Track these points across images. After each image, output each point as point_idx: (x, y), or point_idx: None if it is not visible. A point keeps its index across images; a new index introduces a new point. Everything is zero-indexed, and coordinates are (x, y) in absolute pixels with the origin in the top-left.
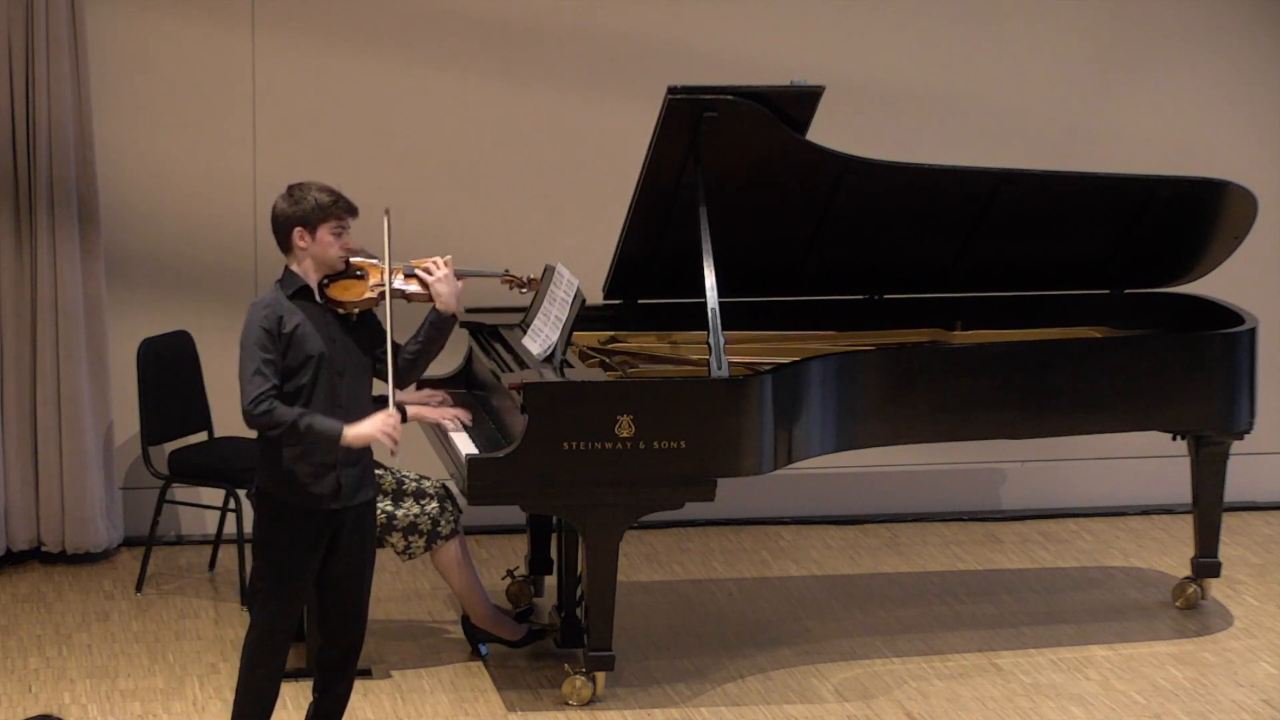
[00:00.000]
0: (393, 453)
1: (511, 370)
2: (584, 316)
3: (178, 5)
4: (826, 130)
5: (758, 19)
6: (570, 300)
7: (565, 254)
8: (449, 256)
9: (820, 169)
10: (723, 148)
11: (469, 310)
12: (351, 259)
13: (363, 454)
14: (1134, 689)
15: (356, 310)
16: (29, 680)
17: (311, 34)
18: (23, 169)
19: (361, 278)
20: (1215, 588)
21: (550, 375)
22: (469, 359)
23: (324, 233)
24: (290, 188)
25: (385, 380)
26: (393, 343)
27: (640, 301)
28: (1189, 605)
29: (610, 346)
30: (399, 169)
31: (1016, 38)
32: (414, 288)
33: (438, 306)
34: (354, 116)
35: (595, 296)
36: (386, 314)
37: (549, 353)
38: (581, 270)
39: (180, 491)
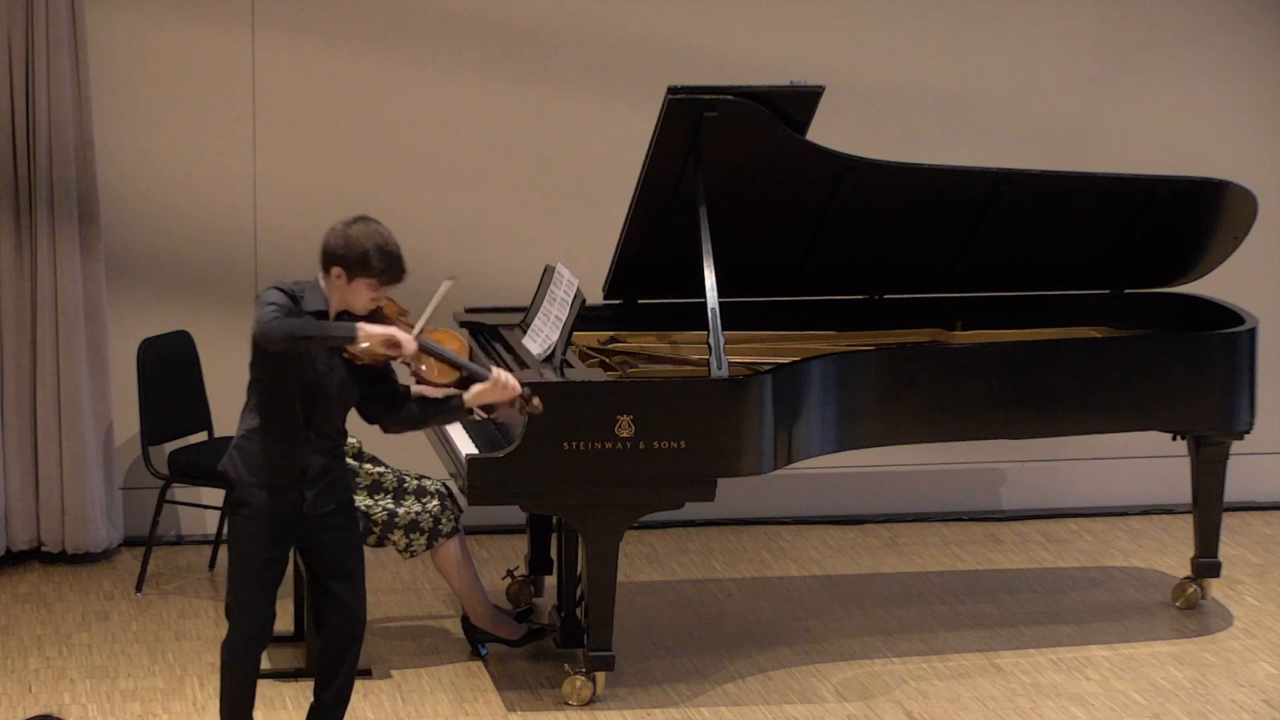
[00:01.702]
0: (408, 365)
1: (511, 370)
2: (584, 316)
3: (178, 5)
4: (826, 130)
5: (758, 19)
6: (570, 300)
7: (565, 254)
8: (514, 382)
9: (820, 169)
10: (723, 148)
11: (469, 310)
12: (378, 307)
13: (328, 472)
14: (1134, 689)
15: (363, 361)
16: (29, 680)
17: (311, 34)
18: (23, 169)
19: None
20: (1215, 588)
21: (550, 375)
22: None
23: (360, 284)
24: (355, 221)
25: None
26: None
27: (640, 301)
28: (1189, 605)
29: (610, 346)
30: (399, 169)
31: (1016, 38)
32: (423, 366)
33: (465, 397)
34: (354, 116)
35: (595, 296)
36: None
37: (549, 353)
38: (581, 270)
39: (180, 491)
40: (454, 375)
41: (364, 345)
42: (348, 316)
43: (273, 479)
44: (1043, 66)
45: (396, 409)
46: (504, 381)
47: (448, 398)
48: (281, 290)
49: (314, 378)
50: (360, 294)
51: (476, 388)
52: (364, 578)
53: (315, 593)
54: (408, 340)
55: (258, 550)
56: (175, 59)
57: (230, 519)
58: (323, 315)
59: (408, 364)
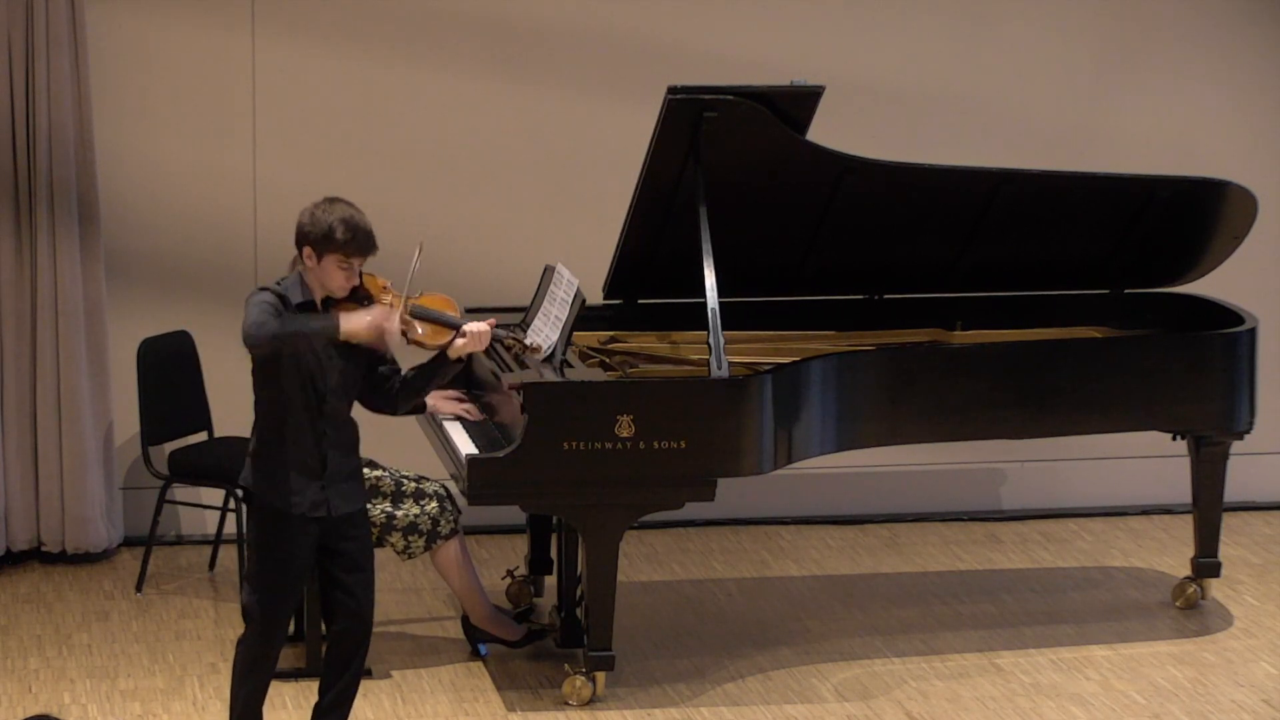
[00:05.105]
0: (384, 348)
1: (511, 370)
2: (584, 316)
3: (178, 5)
4: (826, 130)
5: (758, 19)
6: (570, 300)
7: (565, 254)
8: (493, 321)
9: (820, 169)
10: (723, 148)
11: (469, 310)
12: (361, 283)
13: (350, 470)
14: (1134, 689)
15: (358, 340)
16: (29, 680)
17: (311, 34)
18: (23, 169)
19: (368, 308)
20: (1215, 588)
21: (550, 375)
22: (469, 359)
23: (330, 262)
24: (322, 202)
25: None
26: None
27: (640, 301)
28: (1189, 605)
29: (610, 346)
30: (399, 169)
31: (1016, 38)
32: (416, 332)
33: (449, 353)
34: (354, 116)
35: (595, 296)
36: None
37: (549, 353)
38: (581, 270)
39: (180, 491)
40: (448, 335)
41: (352, 331)
42: (332, 302)
43: (294, 481)
44: (1043, 67)
45: (398, 385)
46: (477, 331)
47: (436, 356)
48: (267, 290)
49: (313, 370)
50: (332, 273)
51: (459, 340)
52: (374, 577)
53: (326, 591)
54: (391, 324)
55: (288, 553)
56: (175, 59)
57: (254, 525)
58: (308, 306)
59: (406, 338)
